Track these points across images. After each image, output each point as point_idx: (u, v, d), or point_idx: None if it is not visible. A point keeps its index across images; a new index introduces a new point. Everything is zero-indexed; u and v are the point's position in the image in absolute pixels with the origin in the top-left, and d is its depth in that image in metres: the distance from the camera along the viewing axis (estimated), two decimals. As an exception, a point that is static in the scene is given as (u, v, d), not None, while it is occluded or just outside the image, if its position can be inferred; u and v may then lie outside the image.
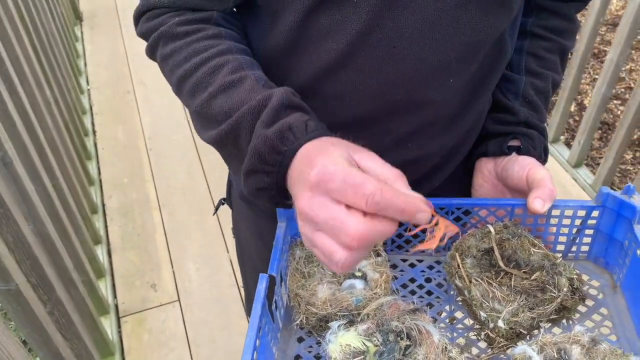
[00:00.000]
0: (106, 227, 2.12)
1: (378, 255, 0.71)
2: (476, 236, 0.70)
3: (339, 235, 0.47)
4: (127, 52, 2.91)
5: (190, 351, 1.76)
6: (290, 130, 0.56)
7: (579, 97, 2.79)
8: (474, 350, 0.65)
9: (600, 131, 2.61)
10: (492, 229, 0.69)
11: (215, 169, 2.30)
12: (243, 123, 0.58)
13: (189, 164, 2.34)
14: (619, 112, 2.70)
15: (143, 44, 0.70)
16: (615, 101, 2.75)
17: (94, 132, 2.51)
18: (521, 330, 0.61)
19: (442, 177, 0.81)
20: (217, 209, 1.01)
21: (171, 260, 2.00)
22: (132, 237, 2.08)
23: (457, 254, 0.69)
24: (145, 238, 2.08)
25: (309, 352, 0.67)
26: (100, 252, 1.99)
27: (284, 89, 0.60)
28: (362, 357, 0.58)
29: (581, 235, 0.71)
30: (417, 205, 0.48)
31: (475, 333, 0.66)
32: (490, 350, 0.63)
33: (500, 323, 0.61)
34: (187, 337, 1.79)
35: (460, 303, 0.70)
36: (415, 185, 0.79)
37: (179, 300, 1.89)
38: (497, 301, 0.62)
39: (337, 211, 0.47)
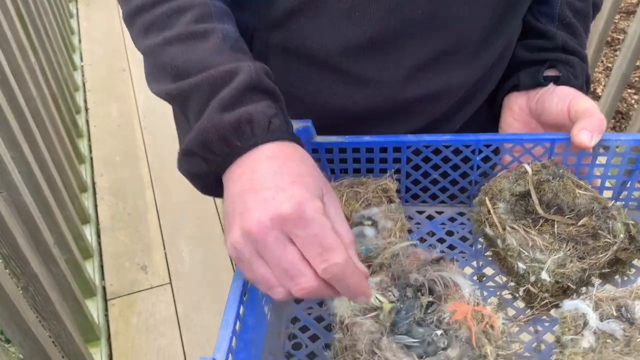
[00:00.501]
0: (96, 206, 2.00)
1: (391, 201, 0.59)
2: (509, 178, 0.58)
3: (286, 280, 0.43)
4: (123, 29, 2.80)
5: (181, 336, 1.64)
6: (249, 123, 0.46)
7: (593, 85, 2.66)
8: (510, 312, 0.53)
9: (614, 120, 2.49)
10: (528, 169, 0.58)
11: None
12: (196, 94, 0.48)
13: (185, 143, 2.22)
14: (633, 101, 2.57)
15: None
16: (629, 90, 2.62)
17: (87, 109, 2.40)
18: (569, 284, 0.49)
19: (464, 116, 0.69)
20: None
21: (163, 241, 1.88)
22: (123, 216, 1.97)
23: (486, 198, 0.57)
24: (137, 218, 1.96)
25: (309, 314, 0.56)
26: (88, 231, 1.87)
27: (255, 64, 0.49)
28: (374, 314, 0.47)
29: (634, 178, 0.59)
30: (363, 289, 0.44)
31: (511, 291, 0.54)
32: (529, 310, 0.51)
33: (544, 275, 0.49)
34: (178, 321, 1.68)
35: (489, 258, 0.58)
36: (433, 126, 0.67)
37: (170, 283, 1.77)
38: (539, 250, 0.51)
39: (294, 257, 0.42)
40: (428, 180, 0.64)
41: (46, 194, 1.50)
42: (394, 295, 0.49)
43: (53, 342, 1.25)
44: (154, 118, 2.34)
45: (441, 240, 0.61)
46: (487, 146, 0.61)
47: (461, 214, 0.64)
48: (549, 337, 0.50)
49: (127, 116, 2.36)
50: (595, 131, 0.56)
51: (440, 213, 0.64)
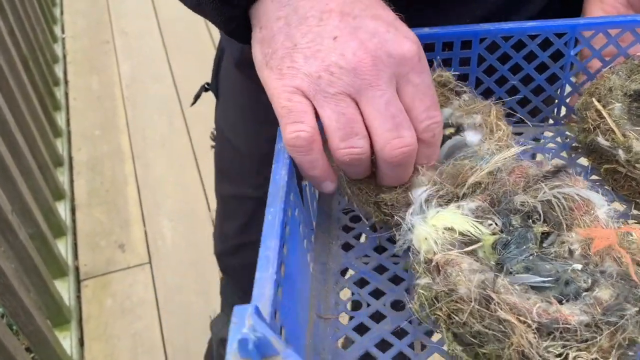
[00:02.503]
0: (72, 181, 1.85)
1: (458, 94, 0.46)
2: (620, 73, 0.45)
3: (386, 130, 0.37)
4: (108, 0, 2.65)
5: (160, 319, 1.49)
6: None
7: None
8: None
9: None
10: None
11: (199, 123, 2.03)
12: None
13: (169, 115, 2.07)
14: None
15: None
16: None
17: (66, 81, 2.25)
18: None
19: (532, 10, 0.55)
20: (197, 97, 0.78)
21: (143, 218, 1.74)
22: (100, 192, 1.82)
23: (594, 99, 0.44)
24: (115, 193, 1.81)
25: (365, 263, 0.42)
26: (62, 207, 1.73)
27: None
28: (471, 248, 0.35)
29: None
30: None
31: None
32: None
33: None
34: (157, 303, 1.53)
35: (601, 181, 0.46)
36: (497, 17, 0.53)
37: (150, 262, 1.63)
38: None
39: (401, 106, 0.37)
40: (504, 88, 0.50)
41: (7, 162, 1.36)
42: (495, 224, 0.37)
43: (2, 316, 1.11)
44: (138, 88, 2.19)
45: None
46: (588, 34, 0.47)
47: (547, 133, 0.51)
48: None
49: (109, 88, 2.21)
50: None
51: (519, 134, 0.51)
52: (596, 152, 0.46)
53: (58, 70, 2.25)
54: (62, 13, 2.61)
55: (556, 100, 0.53)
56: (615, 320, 0.30)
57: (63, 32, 2.50)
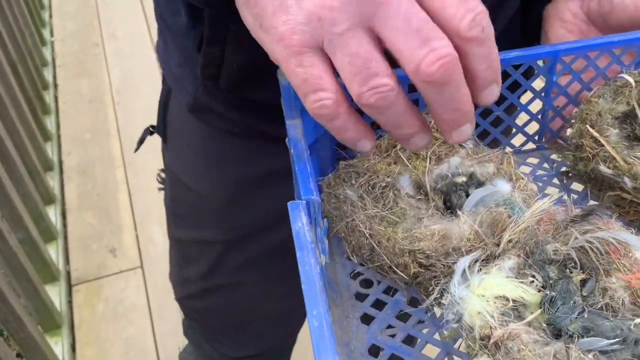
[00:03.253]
0: (62, 186, 1.84)
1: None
2: (605, 96, 0.45)
3: (416, 46, 0.31)
4: (97, 3, 2.64)
5: (152, 324, 1.49)
6: None
7: None
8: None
9: None
10: (630, 79, 0.44)
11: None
12: None
13: (160, 119, 2.06)
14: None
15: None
16: None
17: (56, 85, 2.23)
18: None
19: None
20: (140, 142, 0.74)
21: (134, 222, 1.73)
22: (91, 196, 1.81)
23: (589, 127, 0.43)
24: (106, 198, 1.80)
25: (391, 336, 0.38)
26: (52, 212, 1.72)
27: None
28: (533, 315, 0.33)
29: None
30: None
31: None
32: None
33: None
34: (149, 308, 1.52)
35: (599, 207, 0.44)
36: None
37: (141, 266, 1.62)
38: None
39: (423, 16, 0.32)
40: (489, 120, 0.50)
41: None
42: (536, 280, 0.34)
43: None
44: (129, 93, 2.18)
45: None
46: (567, 59, 0.46)
47: (532, 160, 0.50)
48: None
49: (99, 92, 2.20)
50: None
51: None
52: (596, 180, 0.45)
53: (47, 74, 2.24)
54: (50, 16, 2.60)
55: (538, 127, 0.52)
56: None
57: (52, 35, 2.49)
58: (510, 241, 0.36)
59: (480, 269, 0.35)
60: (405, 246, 0.37)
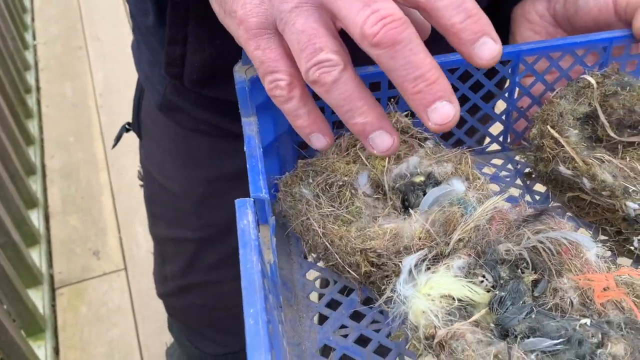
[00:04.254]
0: (45, 189, 1.84)
1: (426, 139, 0.45)
2: (567, 97, 0.45)
3: (357, 15, 0.31)
4: (80, 6, 2.63)
5: (136, 326, 1.49)
6: None
7: None
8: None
9: None
10: (592, 80, 0.45)
11: (175, 127, 2.03)
12: None
13: (144, 122, 2.06)
14: None
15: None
16: None
17: (38, 89, 2.23)
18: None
19: None
20: (118, 139, 0.75)
21: (118, 225, 1.73)
22: (75, 200, 1.81)
23: (549, 127, 0.44)
24: (90, 201, 1.80)
25: (344, 336, 0.38)
26: (35, 216, 1.71)
27: None
28: (478, 315, 0.32)
29: None
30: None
31: (612, 245, 0.41)
32: None
33: None
34: (133, 310, 1.53)
35: (562, 207, 0.45)
36: None
37: (125, 268, 1.62)
38: None
39: None
40: None
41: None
42: (486, 280, 0.34)
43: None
44: (112, 97, 2.18)
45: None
46: (530, 59, 0.47)
47: (496, 161, 0.51)
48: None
49: (83, 95, 2.20)
50: None
51: None
52: (556, 181, 0.45)
53: (30, 77, 2.23)
54: (33, 20, 2.58)
55: (502, 128, 0.53)
56: None
57: (35, 39, 2.48)
58: (461, 240, 0.36)
59: (429, 268, 0.35)
60: (357, 245, 0.37)
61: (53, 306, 1.53)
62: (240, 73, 0.40)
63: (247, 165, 0.36)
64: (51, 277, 1.60)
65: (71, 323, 1.50)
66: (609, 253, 0.36)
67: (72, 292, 1.56)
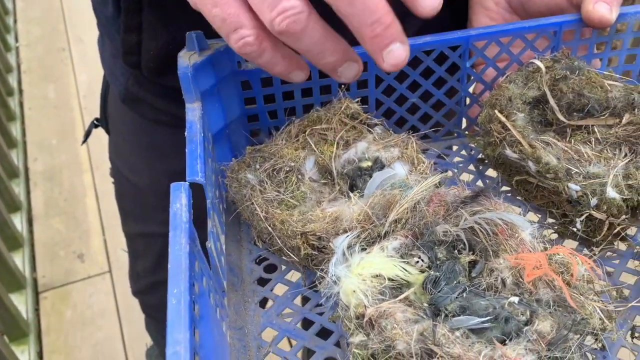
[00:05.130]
0: (28, 192, 1.82)
1: (370, 127, 0.44)
2: (517, 82, 0.45)
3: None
4: (63, 7, 2.61)
5: (121, 328, 1.47)
6: None
7: None
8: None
9: None
10: (540, 65, 0.45)
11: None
12: None
13: (128, 122, 2.04)
14: None
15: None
16: None
17: (21, 91, 2.21)
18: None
19: (418, 23, 0.54)
20: (87, 135, 0.75)
21: (102, 227, 1.71)
22: (58, 202, 1.79)
23: (496, 111, 0.44)
24: (74, 203, 1.78)
25: (287, 320, 0.38)
26: (18, 220, 1.69)
27: None
28: (404, 295, 0.33)
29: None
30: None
31: (559, 228, 0.42)
32: (594, 247, 0.39)
33: (611, 192, 0.37)
34: (118, 312, 1.51)
35: (512, 192, 0.45)
36: None
37: (110, 271, 1.60)
38: (590, 163, 0.39)
39: None
40: (405, 107, 0.49)
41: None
42: (421, 260, 0.35)
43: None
44: (95, 99, 2.15)
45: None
46: (477, 45, 0.47)
47: (449, 148, 0.50)
48: (628, 278, 0.38)
49: (66, 97, 2.18)
50: (613, 3, 0.44)
51: (425, 151, 0.49)
52: (505, 165, 0.45)
53: (12, 79, 2.21)
54: (15, 21, 2.56)
55: (455, 115, 0.53)
56: (561, 355, 0.30)
57: (17, 40, 2.45)
58: (398, 222, 0.36)
59: (365, 249, 0.35)
60: (297, 228, 0.37)
61: (37, 310, 1.51)
62: (184, 59, 0.39)
63: (187, 150, 0.35)
64: (35, 281, 1.58)
65: (55, 327, 1.48)
66: (546, 233, 0.36)
67: (56, 296, 1.55)
